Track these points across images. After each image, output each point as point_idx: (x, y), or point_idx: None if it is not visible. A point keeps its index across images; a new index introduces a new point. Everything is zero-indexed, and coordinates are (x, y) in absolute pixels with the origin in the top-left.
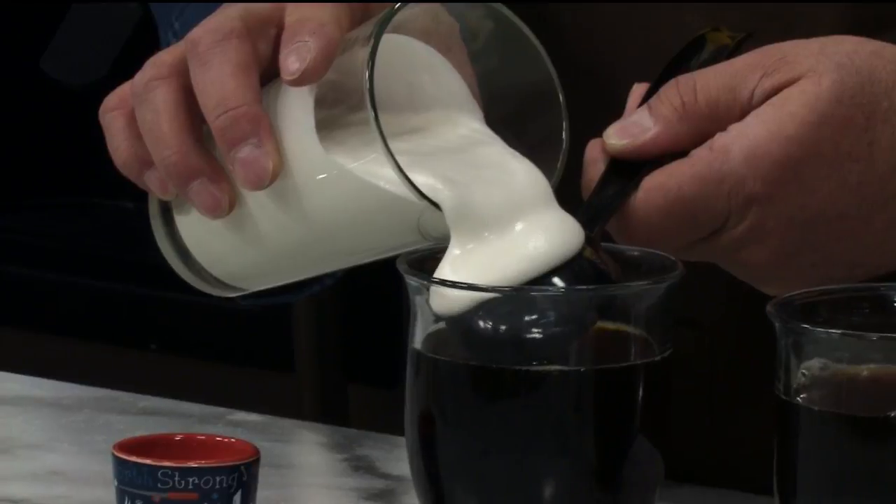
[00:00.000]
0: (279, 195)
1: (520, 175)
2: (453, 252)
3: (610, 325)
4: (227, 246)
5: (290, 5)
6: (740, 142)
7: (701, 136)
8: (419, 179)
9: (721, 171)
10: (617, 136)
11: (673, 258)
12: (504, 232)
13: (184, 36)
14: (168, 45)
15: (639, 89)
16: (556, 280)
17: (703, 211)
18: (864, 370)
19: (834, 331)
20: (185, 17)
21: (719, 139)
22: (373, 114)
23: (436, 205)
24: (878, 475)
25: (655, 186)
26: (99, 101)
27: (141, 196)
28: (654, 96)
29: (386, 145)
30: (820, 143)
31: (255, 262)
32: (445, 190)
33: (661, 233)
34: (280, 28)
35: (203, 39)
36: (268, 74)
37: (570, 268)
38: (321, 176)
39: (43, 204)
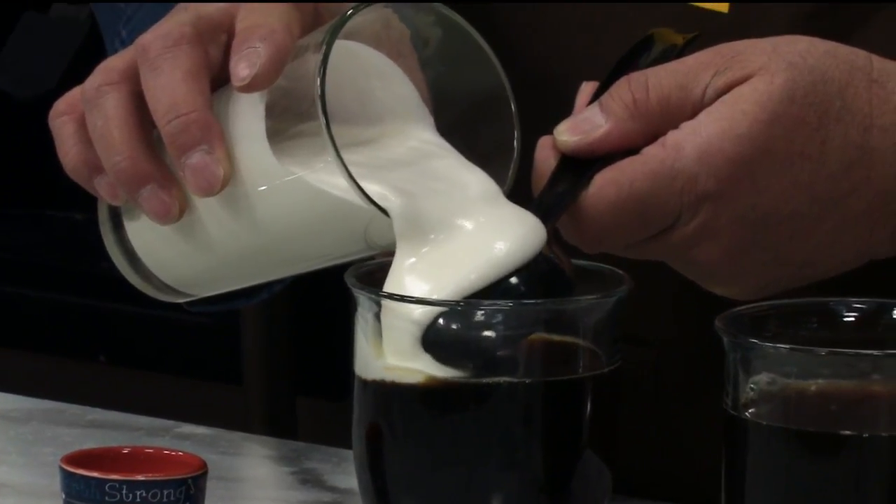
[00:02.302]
0: (229, 202)
1: (472, 187)
2: (407, 261)
3: (558, 338)
4: (177, 252)
5: (241, 11)
6: (693, 139)
7: (653, 133)
8: (369, 188)
9: (673, 168)
10: (568, 133)
11: (621, 272)
12: (457, 238)
13: (132, 43)
14: (115, 52)
15: (588, 87)
16: (514, 280)
17: (655, 208)
18: (813, 385)
19: (782, 345)
20: (132, 24)
21: (671, 136)
22: (324, 120)
23: (385, 212)
24: (826, 490)
25: (607, 182)
26: (48, 111)
27: (90, 208)
28: (606, 93)
29: (337, 151)
30: (772, 142)
31: (205, 267)
32: (394, 198)
33: (613, 229)
34: (231, 34)
35: (153, 45)
36: (218, 81)
37: (526, 266)
38: (271, 183)
39: None
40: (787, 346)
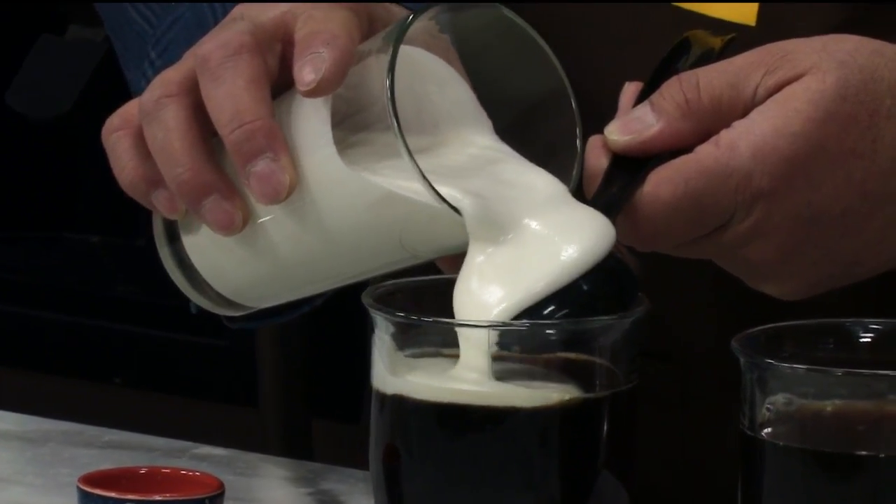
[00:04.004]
0: (293, 208)
1: (540, 189)
2: (478, 263)
3: (574, 356)
4: (237, 262)
5: (300, 18)
6: (747, 138)
7: (704, 133)
8: (441, 190)
9: (728, 167)
10: (619, 132)
11: (640, 293)
12: (530, 241)
13: (163, 65)
14: (145, 77)
15: (631, 87)
16: (583, 280)
17: (710, 206)
18: (829, 405)
19: (799, 366)
20: (162, 44)
21: (725, 135)
22: (395, 122)
23: (458, 213)
24: None
25: (662, 181)
26: (65, 134)
27: (106, 230)
28: (656, 93)
29: (409, 153)
30: (825, 140)
31: (264, 277)
32: (465, 199)
33: (667, 228)
34: (285, 43)
35: (214, 54)
36: (275, 89)
37: (594, 266)
38: (338, 188)
39: (8, 237)
40: (804, 367)
